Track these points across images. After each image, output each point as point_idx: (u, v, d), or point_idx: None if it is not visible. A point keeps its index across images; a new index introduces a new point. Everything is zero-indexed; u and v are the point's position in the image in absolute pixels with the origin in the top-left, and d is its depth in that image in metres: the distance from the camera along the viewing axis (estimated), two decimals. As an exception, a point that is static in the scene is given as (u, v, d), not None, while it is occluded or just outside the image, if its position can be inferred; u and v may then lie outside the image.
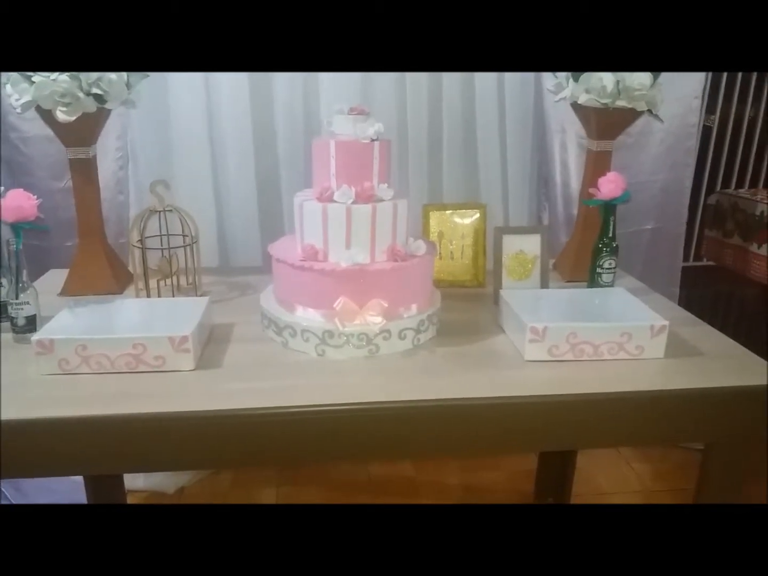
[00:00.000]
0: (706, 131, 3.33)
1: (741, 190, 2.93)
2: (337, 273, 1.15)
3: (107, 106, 1.37)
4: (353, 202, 1.18)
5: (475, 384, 1.10)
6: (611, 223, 1.45)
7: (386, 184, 1.22)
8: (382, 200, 1.20)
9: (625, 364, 1.17)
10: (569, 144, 2.08)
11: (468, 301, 1.49)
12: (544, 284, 1.49)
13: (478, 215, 1.58)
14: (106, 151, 1.84)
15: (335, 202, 1.18)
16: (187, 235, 1.46)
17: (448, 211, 1.58)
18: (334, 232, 1.18)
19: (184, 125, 1.86)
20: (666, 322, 1.17)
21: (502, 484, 2.07)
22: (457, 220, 1.59)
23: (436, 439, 1.05)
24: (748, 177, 3.24)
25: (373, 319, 1.17)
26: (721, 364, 1.18)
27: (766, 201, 2.63)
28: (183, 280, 1.48)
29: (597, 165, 1.57)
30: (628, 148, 2.13)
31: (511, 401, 1.05)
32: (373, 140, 1.20)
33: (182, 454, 1.01)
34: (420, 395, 1.05)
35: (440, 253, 1.59)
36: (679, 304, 2.36)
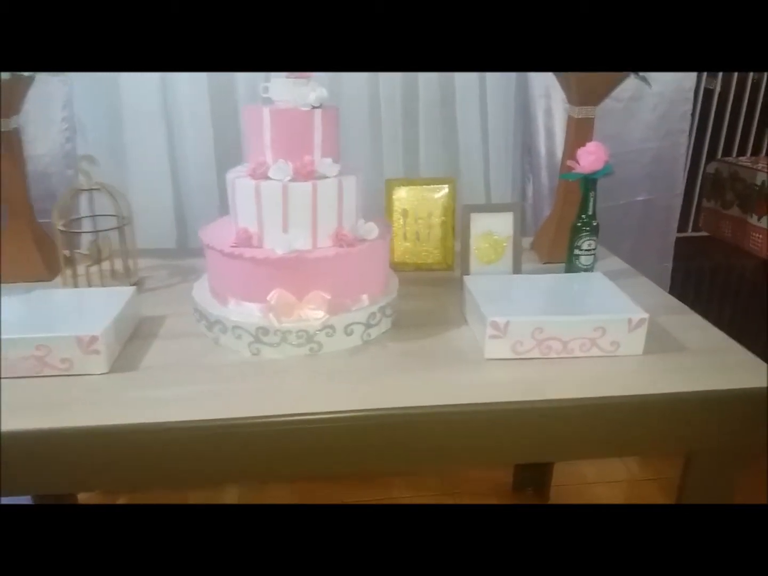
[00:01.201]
0: (707, 94, 3.14)
1: (741, 158, 2.75)
2: (271, 261, 1.01)
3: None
4: (291, 180, 1.03)
5: (423, 388, 0.96)
6: (591, 199, 1.30)
7: (331, 159, 1.07)
8: (325, 177, 1.05)
9: (599, 362, 1.03)
10: (555, 110, 1.91)
11: (434, 287, 1.35)
12: (516, 268, 1.34)
13: (446, 191, 1.43)
14: (51, 122, 1.70)
15: (270, 179, 1.04)
16: (119, 216, 1.31)
17: (413, 187, 1.43)
18: (269, 214, 1.04)
19: (135, 93, 1.70)
20: (645, 315, 1.03)
21: (478, 474, 1.96)
22: (424, 196, 1.44)
23: (378, 453, 0.93)
24: (750, 144, 3.06)
25: (313, 313, 1.03)
26: (709, 361, 1.04)
27: (767, 170, 2.46)
28: (121, 266, 1.34)
29: (578, 134, 1.41)
30: (618, 114, 1.98)
31: (460, 410, 0.92)
32: (314, 107, 1.05)
33: (84, 475, 0.88)
34: (358, 403, 0.92)
35: (405, 234, 1.45)
36: (672, 279, 2.24)
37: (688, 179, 2.99)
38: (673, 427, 0.97)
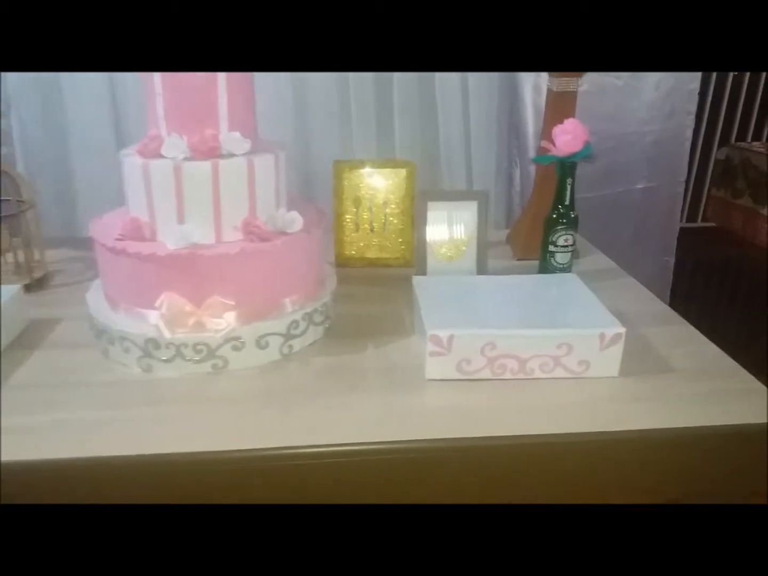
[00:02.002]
0: (721, 75, 2.90)
1: (756, 144, 2.53)
2: (159, 258, 0.83)
3: None
4: (186, 158, 0.84)
5: (332, 421, 0.77)
6: (568, 186, 1.10)
7: (239, 133, 0.87)
8: (232, 155, 0.86)
9: (563, 386, 0.84)
10: (544, 86, 1.70)
11: (387, 288, 1.16)
12: (480, 267, 1.15)
13: (404, 175, 1.24)
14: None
15: (162, 157, 0.85)
16: (22, 201, 1.13)
17: (365, 170, 1.24)
18: (160, 200, 0.85)
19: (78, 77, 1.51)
20: (621, 330, 0.84)
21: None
22: (379, 181, 1.24)
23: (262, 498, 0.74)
24: (767, 128, 2.83)
25: (214, 322, 0.84)
26: (700, 388, 0.84)
27: (783, 156, 2.24)
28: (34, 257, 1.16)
29: (557, 111, 1.21)
30: (617, 92, 1.77)
31: (380, 449, 0.73)
32: (221, 71, 0.86)
33: None
34: (261, 440, 0.73)
35: (357, 224, 1.26)
36: (675, 275, 2.03)
37: (698, 166, 2.78)
38: (651, 473, 0.77)
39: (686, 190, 2.86)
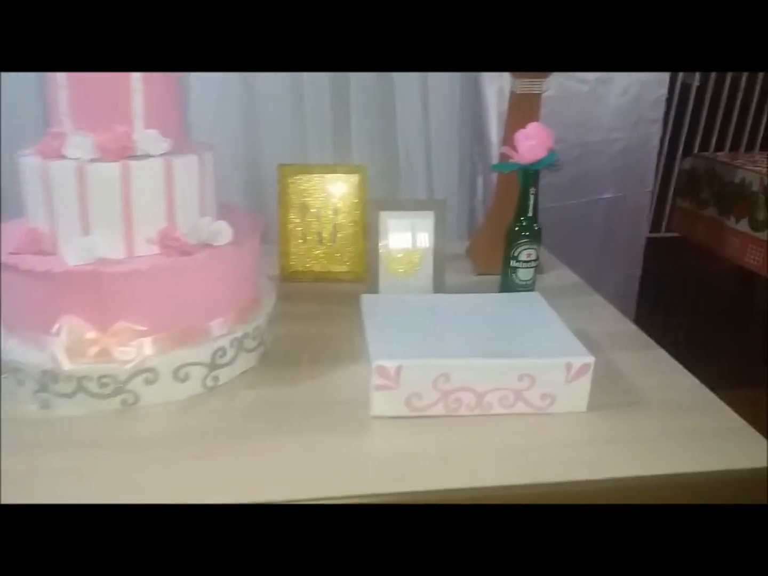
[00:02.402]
0: (685, 87, 2.89)
1: (719, 154, 2.50)
2: (56, 276, 0.70)
3: None
4: (93, 159, 0.72)
5: (265, 468, 0.66)
6: (531, 196, 1.00)
7: (157, 131, 0.76)
8: (148, 156, 0.75)
9: (524, 424, 0.74)
10: (508, 90, 1.62)
11: (336, 305, 1.05)
12: (437, 285, 1.05)
13: (357, 181, 1.13)
14: None
15: (65, 158, 0.72)
16: None
17: (313, 175, 1.13)
18: (62, 207, 0.73)
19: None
20: (590, 359, 0.74)
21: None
22: (328, 187, 1.14)
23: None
24: (729, 138, 2.81)
25: (122, 351, 0.72)
26: (678, 425, 0.75)
27: (748, 166, 2.20)
28: None
29: (520, 114, 1.11)
30: (583, 98, 1.70)
31: (310, 505, 0.62)
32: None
33: None
34: (169, 493, 0.62)
35: (304, 235, 1.15)
36: (640, 286, 1.97)
37: (663, 175, 2.74)
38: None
39: (651, 200, 2.83)
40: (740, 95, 2.76)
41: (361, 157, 1.52)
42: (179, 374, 0.76)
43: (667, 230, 2.92)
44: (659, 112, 1.78)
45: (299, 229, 1.14)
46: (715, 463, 0.69)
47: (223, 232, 0.79)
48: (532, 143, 0.97)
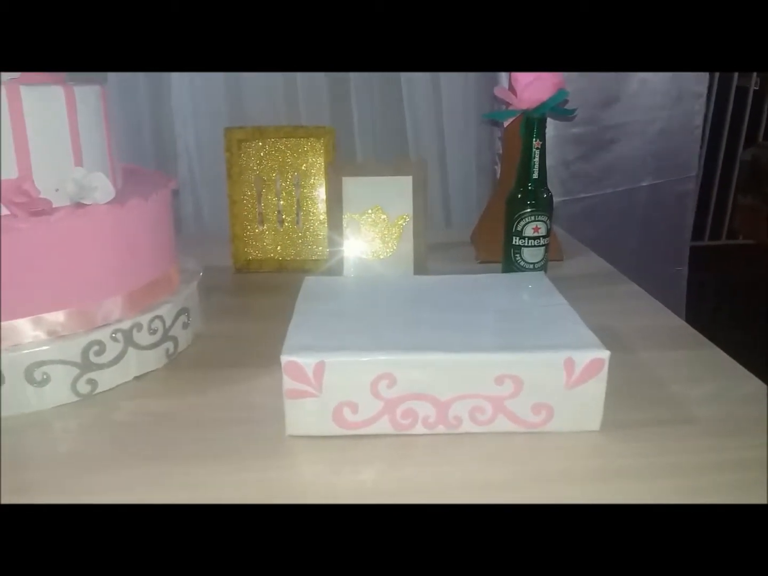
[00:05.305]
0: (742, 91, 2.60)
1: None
2: None
3: None
4: None
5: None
6: (536, 152, 0.77)
7: None
8: (-9, 84, 0.56)
9: (508, 451, 0.51)
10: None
11: (291, 297, 0.83)
12: (419, 266, 0.82)
13: (320, 148, 0.92)
14: None
15: None
16: None
17: (269, 140, 0.92)
18: None
19: None
20: (604, 354, 0.50)
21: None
22: (289, 156, 0.93)
23: None
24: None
25: (-59, 342, 0.53)
26: (738, 452, 0.50)
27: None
28: None
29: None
30: (614, 75, 1.46)
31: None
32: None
33: None
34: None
35: (261, 215, 0.94)
36: (689, 294, 1.68)
37: (722, 169, 2.43)
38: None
39: (709, 199, 2.53)
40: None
41: (365, 148, 1.31)
42: (34, 376, 0.56)
43: (728, 236, 2.61)
44: (702, 87, 1.52)
45: (254, 207, 0.93)
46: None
47: (100, 188, 0.59)
48: (532, 80, 0.74)
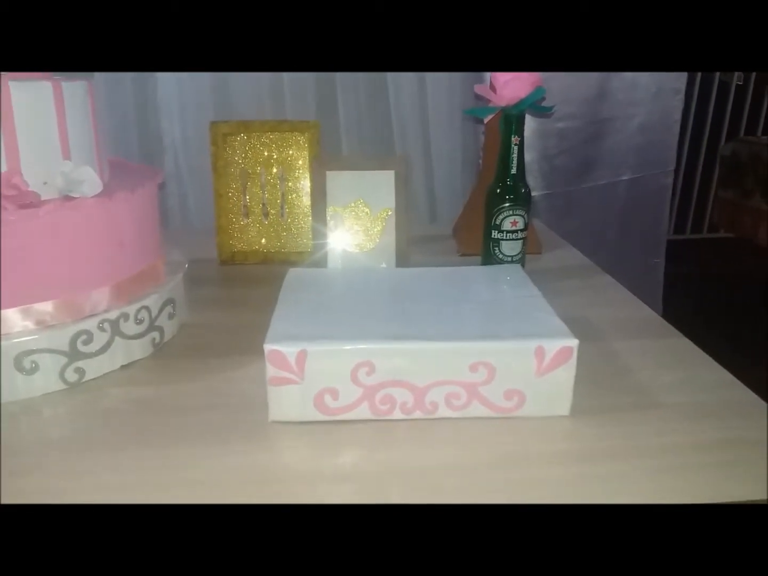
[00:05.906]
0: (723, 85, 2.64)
1: (765, 137, 2.23)
2: None
3: None
4: None
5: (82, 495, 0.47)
6: (513, 148, 0.79)
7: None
8: (-21, 78, 0.57)
9: (483, 435, 0.53)
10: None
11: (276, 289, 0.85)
12: (400, 258, 0.85)
13: (305, 142, 0.94)
14: None
15: None
16: None
17: (253, 134, 0.94)
18: None
19: None
20: (572, 342, 0.53)
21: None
22: (273, 150, 0.95)
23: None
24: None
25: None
26: (701, 435, 0.53)
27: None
28: None
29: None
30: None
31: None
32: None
33: None
34: None
35: (246, 207, 0.96)
36: (669, 286, 1.72)
37: (704, 164, 2.47)
38: None
39: (690, 193, 2.57)
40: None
41: (350, 143, 1.33)
42: (23, 364, 0.57)
43: (709, 229, 2.65)
44: (681, 83, 1.55)
45: (239, 200, 0.95)
46: (759, 490, 0.46)
47: (87, 181, 0.61)
48: (510, 78, 0.76)
